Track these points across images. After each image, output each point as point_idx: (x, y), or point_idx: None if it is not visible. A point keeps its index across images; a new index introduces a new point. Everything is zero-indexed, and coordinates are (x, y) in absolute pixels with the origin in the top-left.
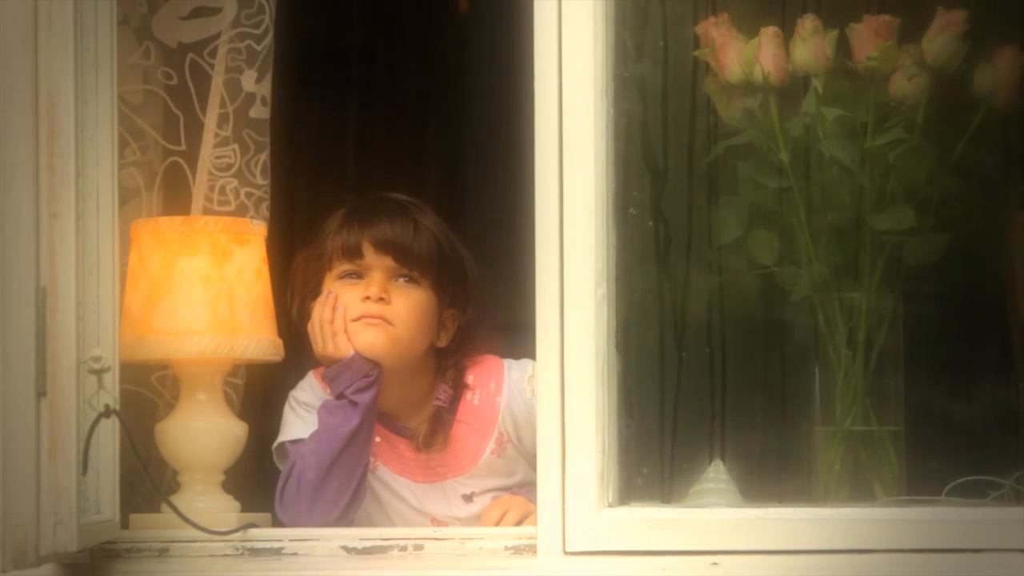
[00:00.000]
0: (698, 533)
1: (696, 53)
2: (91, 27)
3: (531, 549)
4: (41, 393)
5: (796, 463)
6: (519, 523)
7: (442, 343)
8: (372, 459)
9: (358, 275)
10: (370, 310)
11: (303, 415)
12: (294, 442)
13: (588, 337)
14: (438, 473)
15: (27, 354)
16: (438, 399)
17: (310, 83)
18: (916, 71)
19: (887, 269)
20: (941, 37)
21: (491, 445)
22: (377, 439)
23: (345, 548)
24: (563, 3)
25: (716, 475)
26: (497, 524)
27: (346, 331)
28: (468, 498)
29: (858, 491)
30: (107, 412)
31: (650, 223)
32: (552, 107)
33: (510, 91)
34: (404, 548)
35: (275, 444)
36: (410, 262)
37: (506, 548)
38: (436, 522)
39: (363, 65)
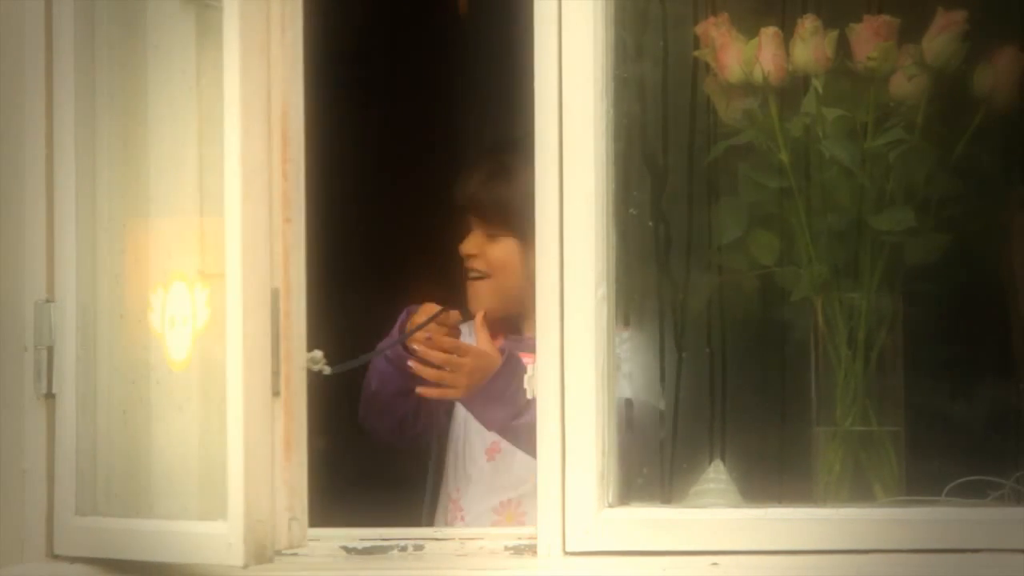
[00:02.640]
0: (698, 533)
1: (696, 53)
2: None
3: (531, 549)
4: (275, 393)
5: (796, 463)
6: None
7: None
8: None
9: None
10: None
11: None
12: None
13: (588, 337)
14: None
15: (263, 355)
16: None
17: (308, 84)
18: (916, 71)
19: (887, 269)
20: (941, 37)
21: None
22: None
23: (345, 548)
24: (563, 3)
25: (716, 475)
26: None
27: None
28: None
29: (858, 491)
30: None
31: (650, 223)
32: (552, 107)
33: (510, 91)
34: (404, 548)
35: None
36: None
37: (506, 548)
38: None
39: (362, 65)
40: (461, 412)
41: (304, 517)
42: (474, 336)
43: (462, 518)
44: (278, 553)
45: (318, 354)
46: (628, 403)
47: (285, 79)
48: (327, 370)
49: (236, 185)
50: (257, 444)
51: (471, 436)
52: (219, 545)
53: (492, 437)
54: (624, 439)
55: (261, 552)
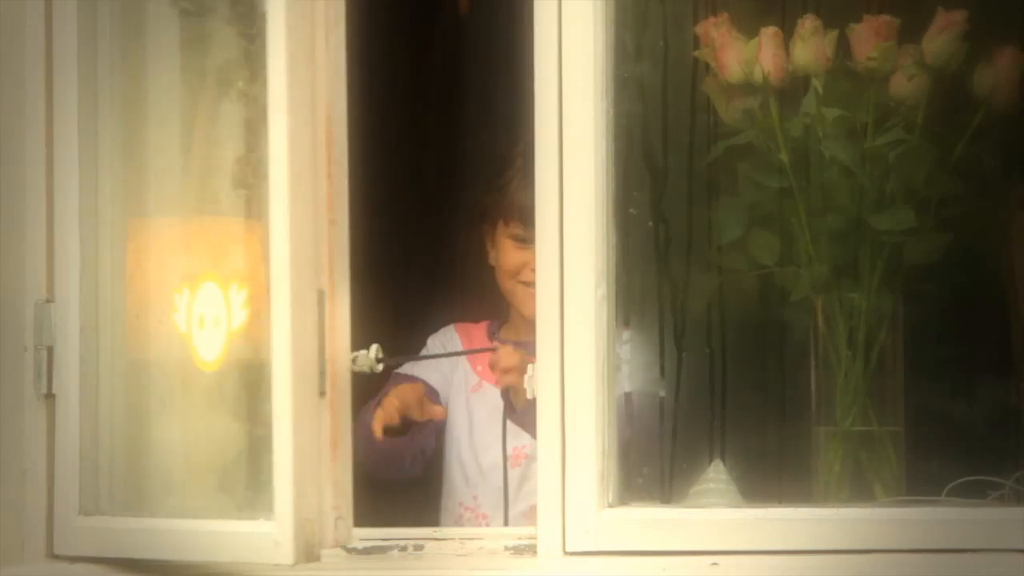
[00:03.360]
0: (698, 533)
1: (696, 53)
2: None
3: (531, 549)
4: (321, 393)
5: (796, 463)
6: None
7: None
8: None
9: (524, 241)
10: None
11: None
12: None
13: (588, 337)
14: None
15: (310, 356)
16: None
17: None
18: (916, 71)
19: (887, 269)
20: (941, 37)
21: None
22: None
23: (345, 548)
24: (563, 3)
25: (716, 475)
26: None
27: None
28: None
29: (858, 491)
30: None
31: (650, 223)
32: (552, 107)
33: (510, 91)
34: (404, 548)
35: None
36: None
37: (506, 548)
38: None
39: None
40: (455, 431)
41: (349, 516)
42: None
43: (487, 525)
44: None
45: (365, 354)
46: (628, 397)
47: (329, 81)
48: (379, 368)
49: (283, 188)
50: (306, 443)
51: (484, 447)
52: (264, 544)
53: (513, 444)
54: (624, 437)
55: (309, 551)
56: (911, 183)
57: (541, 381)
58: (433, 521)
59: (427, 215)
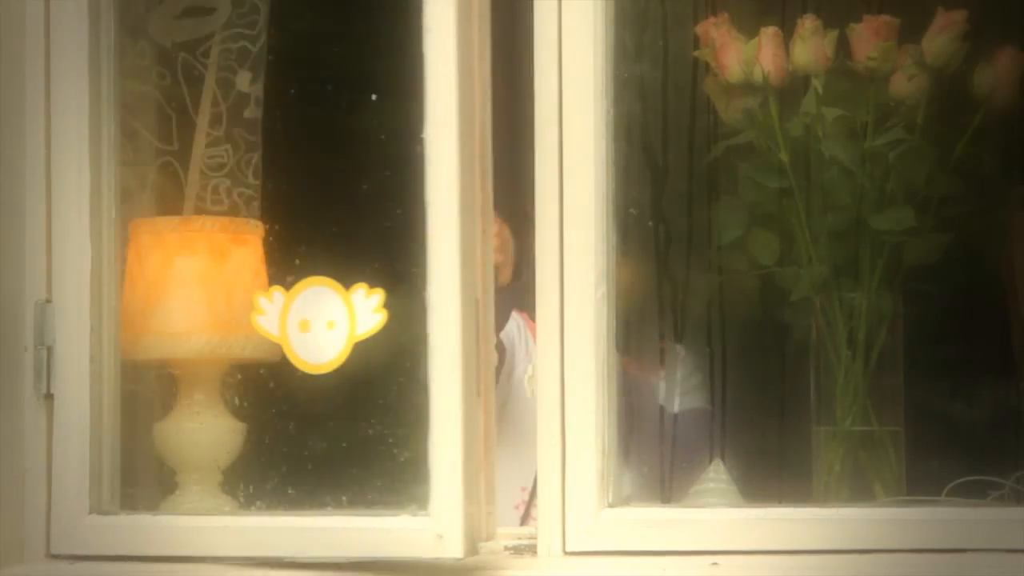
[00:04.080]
0: (698, 533)
1: (696, 53)
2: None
3: (531, 549)
4: (478, 394)
5: (796, 463)
6: None
7: None
8: None
9: None
10: None
11: None
12: None
13: (588, 337)
14: None
15: (472, 359)
16: None
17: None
18: (916, 71)
19: (887, 269)
20: (941, 37)
21: None
22: None
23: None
24: (563, 3)
25: (716, 475)
26: None
27: None
28: None
29: (858, 491)
30: None
31: (650, 223)
32: (552, 107)
33: (510, 91)
34: None
35: None
36: None
37: (506, 548)
38: None
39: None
40: None
41: (496, 511)
42: None
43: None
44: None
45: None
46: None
47: (482, 88)
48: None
49: (454, 199)
50: (470, 442)
51: None
52: (423, 539)
53: None
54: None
55: (471, 545)
56: (911, 183)
57: (541, 381)
58: None
59: None
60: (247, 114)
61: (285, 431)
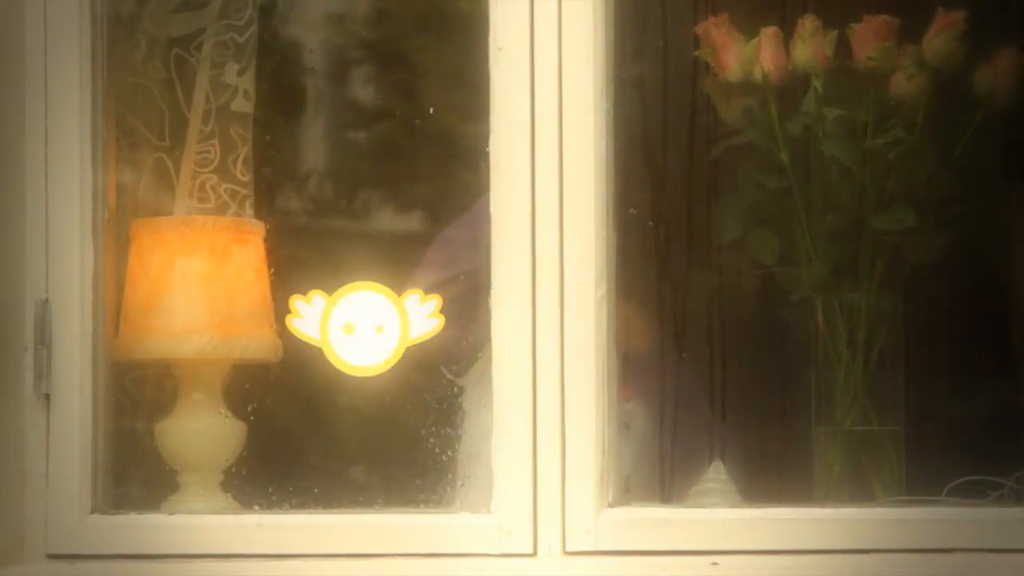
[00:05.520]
0: (698, 533)
1: (696, 53)
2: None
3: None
4: None
5: (796, 463)
6: None
7: None
8: None
9: None
10: None
11: None
12: None
13: (588, 337)
14: None
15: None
16: None
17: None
18: (916, 71)
19: (887, 269)
20: (941, 37)
21: None
22: None
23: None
24: (563, 3)
25: (716, 475)
26: None
27: None
28: None
29: (858, 491)
30: None
31: (650, 223)
32: (552, 107)
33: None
34: None
35: None
36: None
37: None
38: None
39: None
40: None
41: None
42: None
43: None
44: None
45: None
46: None
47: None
48: None
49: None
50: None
51: None
52: (490, 536)
53: None
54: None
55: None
56: (911, 183)
57: (541, 381)
58: None
59: None
60: (235, 107)
61: (319, 430)
